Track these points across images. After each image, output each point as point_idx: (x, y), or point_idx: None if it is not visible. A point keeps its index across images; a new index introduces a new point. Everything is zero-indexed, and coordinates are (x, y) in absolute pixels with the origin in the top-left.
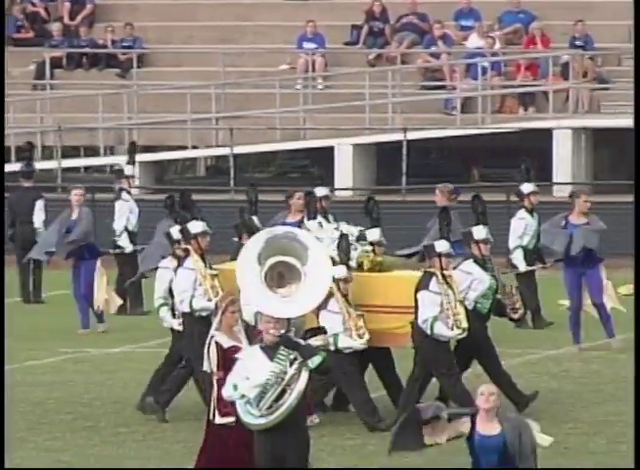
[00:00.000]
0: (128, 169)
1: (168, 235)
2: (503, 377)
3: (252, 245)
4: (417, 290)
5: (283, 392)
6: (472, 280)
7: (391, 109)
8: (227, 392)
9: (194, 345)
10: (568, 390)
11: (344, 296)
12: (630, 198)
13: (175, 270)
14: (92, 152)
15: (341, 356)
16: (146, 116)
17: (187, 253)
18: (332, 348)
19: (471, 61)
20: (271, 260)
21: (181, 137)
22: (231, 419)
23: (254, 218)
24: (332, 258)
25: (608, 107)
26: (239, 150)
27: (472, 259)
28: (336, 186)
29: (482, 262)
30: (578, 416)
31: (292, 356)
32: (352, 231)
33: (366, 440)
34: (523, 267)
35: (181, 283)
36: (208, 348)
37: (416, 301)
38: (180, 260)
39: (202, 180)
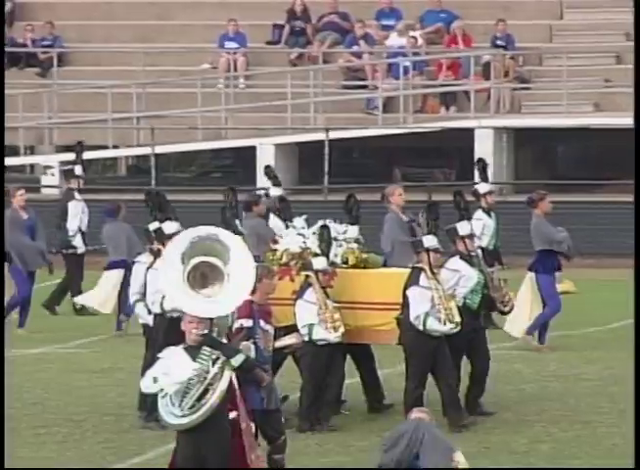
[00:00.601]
0: (78, 170)
1: (147, 231)
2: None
3: (177, 244)
4: (406, 286)
5: (205, 391)
6: (459, 277)
7: (313, 108)
8: (145, 383)
9: (161, 346)
10: (489, 389)
11: (323, 287)
12: (552, 197)
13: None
14: (12, 151)
15: (315, 349)
16: (66, 115)
17: (160, 253)
18: (306, 338)
19: (392, 60)
20: (194, 261)
21: (102, 137)
22: (232, 415)
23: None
24: (314, 251)
25: (529, 106)
26: (160, 149)
27: (458, 256)
28: (258, 186)
29: (469, 258)
30: (499, 416)
31: (214, 356)
32: (338, 229)
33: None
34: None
35: (152, 284)
36: None
37: (406, 297)
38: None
39: (122, 180)
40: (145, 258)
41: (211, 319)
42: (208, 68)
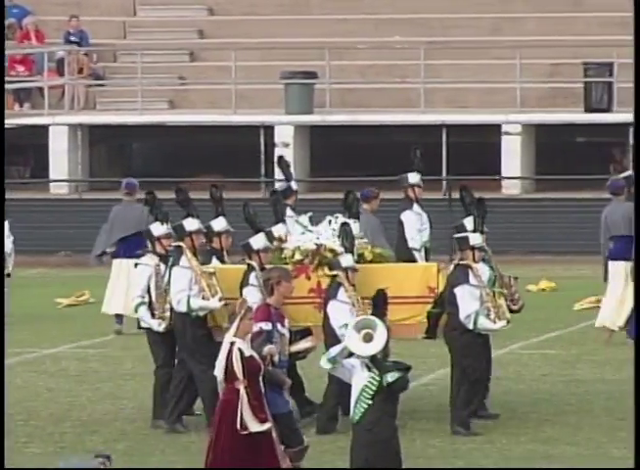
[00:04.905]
0: None
1: (149, 232)
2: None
3: None
4: (453, 284)
5: None
6: None
7: None
8: None
9: (187, 346)
10: (65, 388)
11: (352, 285)
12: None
13: (156, 267)
14: None
15: None
16: None
17: (180, 251)
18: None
19: None
20: None
21: None
22: (269, 425)
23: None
24: (334, 249)
25: (104, 103)
26: None
27: None
28: None
29: None
30: (75, 415)
31: None
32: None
33: None
34: None
35: (178, 282)
36: (229, 354)
37: (453, 296)
38: (161, 258)
39: None
40: (148, 260)
41: None
42: None
